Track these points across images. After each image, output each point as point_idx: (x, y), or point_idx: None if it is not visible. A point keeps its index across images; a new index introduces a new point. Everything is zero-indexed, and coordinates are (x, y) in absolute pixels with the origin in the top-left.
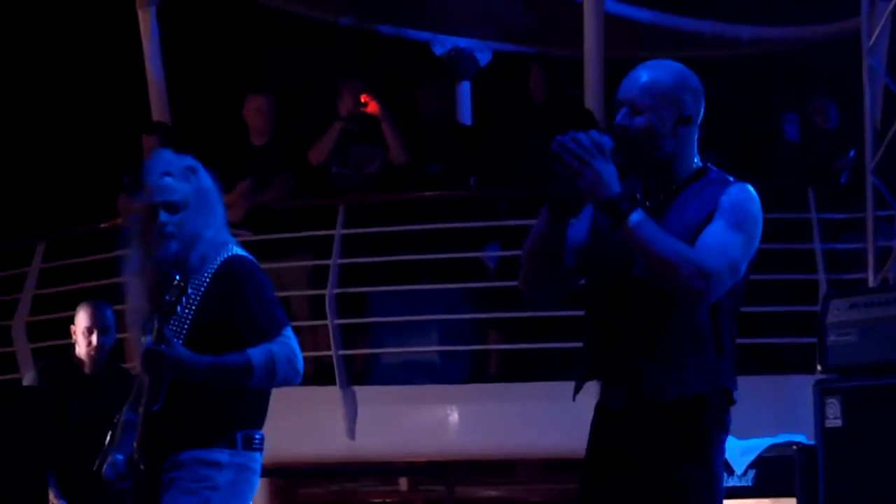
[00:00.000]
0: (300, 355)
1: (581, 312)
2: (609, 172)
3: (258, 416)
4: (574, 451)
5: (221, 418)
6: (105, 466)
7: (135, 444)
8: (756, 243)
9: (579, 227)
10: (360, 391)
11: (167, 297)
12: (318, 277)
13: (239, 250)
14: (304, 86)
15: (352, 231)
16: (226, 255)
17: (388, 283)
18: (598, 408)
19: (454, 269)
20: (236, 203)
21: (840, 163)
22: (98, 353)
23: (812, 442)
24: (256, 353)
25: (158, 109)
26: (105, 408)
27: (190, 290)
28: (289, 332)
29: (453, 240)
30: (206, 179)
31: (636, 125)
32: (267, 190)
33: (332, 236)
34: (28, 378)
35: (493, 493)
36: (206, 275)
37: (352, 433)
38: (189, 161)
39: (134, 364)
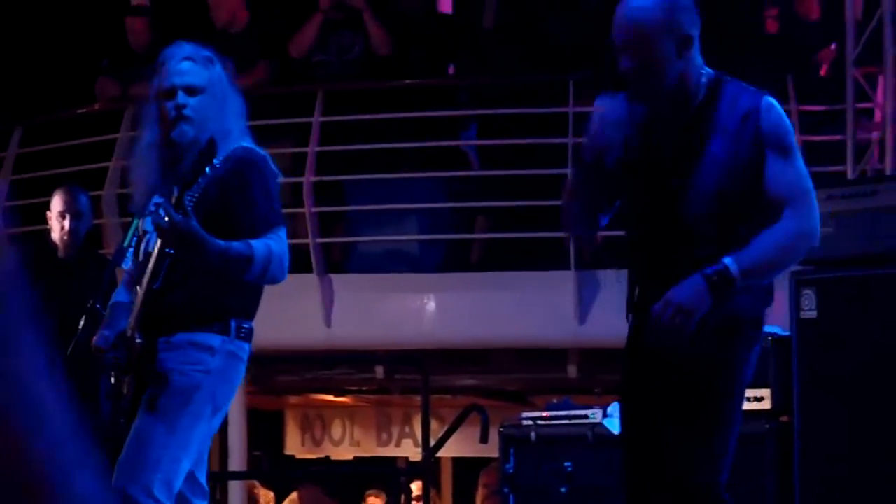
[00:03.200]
0: (288, 256)
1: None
2: (693, 290)
3: (252, 306)
4: (549, 342)
5: (218, 304)
6: (96, 338)
7: (130, 321)
8: None
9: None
10: (338, 279)
11: (185, 173)
12: (296, 165)
13: (249, 142)
14: None
15: (330, 118)
16: (237, 145)
17: (366, 171)
18: (637, 307)
19: (434, 157)
20: None
21: (821, 55)
22: (71, 237)
23: (787, 333)
24: (258, 246)
25: None
26: (77, 292)
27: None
28: (283, 232)
29: (433, 128)
30: (223, 71)
31: (641, 68)
32: (244, 76)
33: (310, 124)
34: None
35: (468, 381)
36: (215, 161)
37: (328, 321)
38: (208, 52)
39: (109, 251)
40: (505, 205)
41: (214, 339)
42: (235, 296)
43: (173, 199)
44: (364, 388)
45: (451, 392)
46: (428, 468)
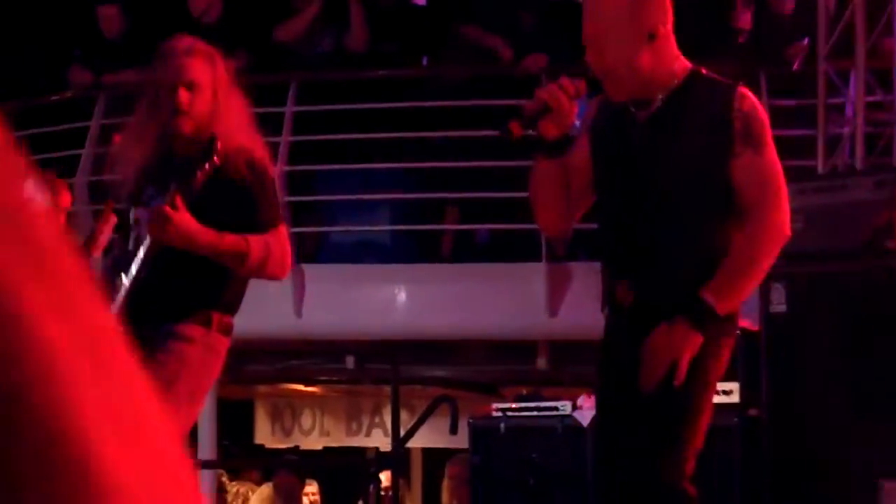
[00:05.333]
0: (289, 254)
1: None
2: (681, 339)
3: (235, 302)
4: (520, 334)
5: (202, 296)
6: None
7: (112, 306)
8: None
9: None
10: (309, 269)
11: (183, 167)
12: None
13: (248, 140)
14: None
15: (303, 108)
16: (236, 143)
17: (339, 162)
18: (611, 301)
19: (406, 148)
20: None
21: (793, 49)
22: None
23: (756, 327)
24: (255, 241)
25: None
26: None
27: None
28: (283, 230)
29: (405, 119)
30: (224, 69)
31: (606, 61)
32: None
33: (283, 114)
34: None
35: (438, 372)
36: (214, 158)
37: (299, 311)
38: (210, 48)
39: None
40: (476, 196)
41: (195, 331)
42: (220, 290)
43: (172, 192)
44: (334, 379)
45: (421, 383)
46: (397, 458)
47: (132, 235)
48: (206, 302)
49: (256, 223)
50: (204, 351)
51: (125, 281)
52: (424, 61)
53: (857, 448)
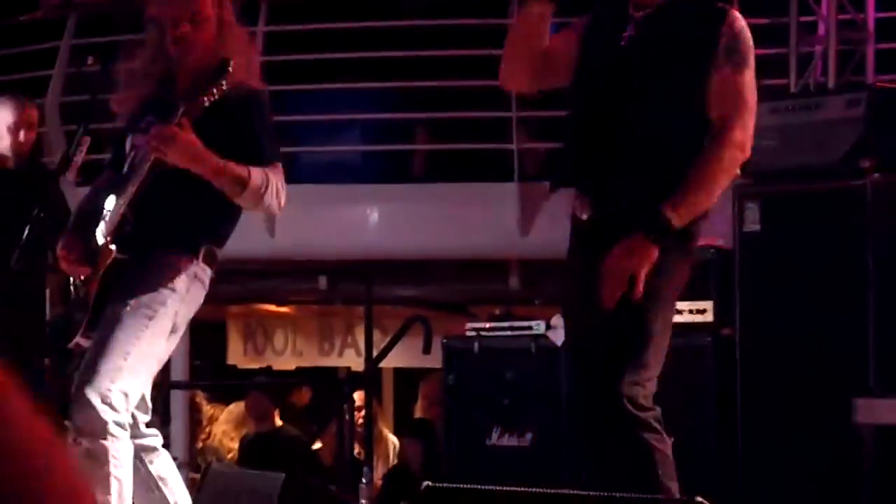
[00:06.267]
0: (285, 190)
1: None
2: (639, 252)
3: (225, 235)
4: (491, 252)
5: (194, 227)
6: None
7: (104, 227)
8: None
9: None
10: None
11: (192, 90)
12: None
13: (251, 76)
14: None
15: (273, 28)
16: (240, 77)
17: (309, 82)
18: (572, 216)
19: (377, 68)
20: None
21: None
22: (26, 148)
23: (729, 246)
24: (255, 172)
25: None
26: (21, 201)
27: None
28: (280, 168)
29: (377, 39)
30: (230, 10)
31: None
32: None
33: (254, 33)
34: None
35: (411, 292)
36: (223, 83)
37: (271, 231)
38: None
39: (52, 159)
40: (448, 116)
41: (183, 260)
42: (212, 221)
43: (178, 111)
44: (307, 299)
45: (392, 303)
46: (370, 378)
47: (127, 161)
48: (196, 231)
49: (256, 157)
50: (191, 280)
51: (119, 202)
52: None
53: (830, 366)
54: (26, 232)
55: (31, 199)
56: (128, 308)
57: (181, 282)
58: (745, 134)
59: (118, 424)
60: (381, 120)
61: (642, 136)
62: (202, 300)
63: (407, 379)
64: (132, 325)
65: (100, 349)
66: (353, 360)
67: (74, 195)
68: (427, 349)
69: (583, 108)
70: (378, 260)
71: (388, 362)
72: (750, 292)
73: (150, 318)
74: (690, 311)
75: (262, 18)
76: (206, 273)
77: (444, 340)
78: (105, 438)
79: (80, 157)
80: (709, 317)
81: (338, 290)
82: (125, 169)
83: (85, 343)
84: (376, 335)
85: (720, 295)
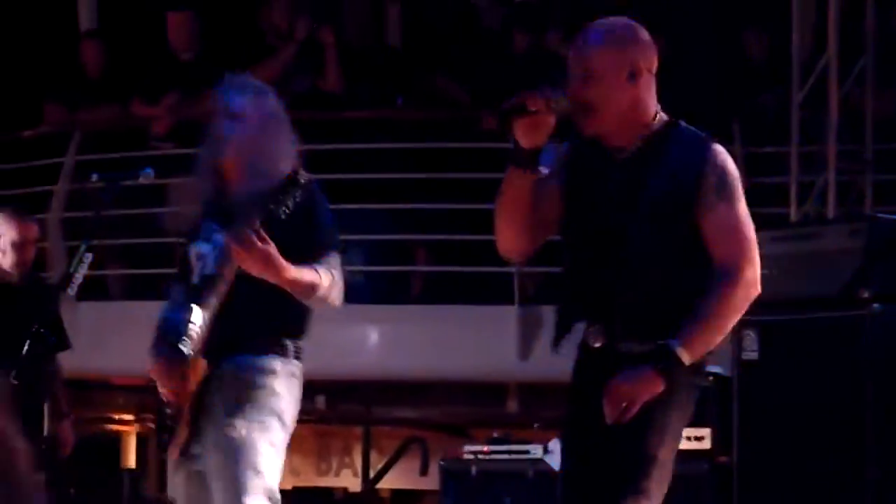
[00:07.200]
0: (344, 283)
1: None
2: (645, 381)
3: (305, 326)
4: (490, 375)
5: (276, 326)
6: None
7: (191, 342)
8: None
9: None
10: None
11: (253, 201)
12: None
13: (304, 173)
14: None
15: None
16: (297, 177)
17: None
18: (581, 345)
19: (381, 189)
20: (162, 117)
21: (766, 97)
22: (28, 264)
23: (728, 373)
24: (324, 274)
25: (87, 19)
26: (23, 316)
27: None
28: (338, 256)
29: (381, 160)
30: (275, 104)
31: (589, 90)
32: (195, 104)
33: None
34: None
35: (409, 413)
36: (289, 202)
37: None
38: (260, 84)
39: (51, 274)
40: (448, 238)
41: (275, 362)
42: (291, 317)
43: (255, 224)
44: (304, 418)
45: (391, 423)
46: (367, 499)
47: (196, 272)
48: (279, 330)
49: (319, 249)
50: (287, 379)
51: (203, 313)
52: (399, 101)
53: (828, 496)
54: (27, 346)
55: (32, 313)
56: (242, 431)
57: (280, 383)
58: (754, 271)
59: None
60: (382, 241)
61: (645, 267)
62: (300, 394)
63: (404, 501)
64: (251, 446)
65: (237, 457)
66: (350, 481)
67: (75, 310)
68: (424, 471)
69: (581, 257)
70: (377, 380)
71: (386, 483)
72: (748, 420)
73: (267, 431)
74: (688, 438)
75: None
76: (299, 368)
77: (442, 463)
78: None
79: (81, 273)
80: (707, 444)
81: (336, 410)
82: (195, 279)
83: (178, 457)
84: (374, 456)
85: (718, 422)
